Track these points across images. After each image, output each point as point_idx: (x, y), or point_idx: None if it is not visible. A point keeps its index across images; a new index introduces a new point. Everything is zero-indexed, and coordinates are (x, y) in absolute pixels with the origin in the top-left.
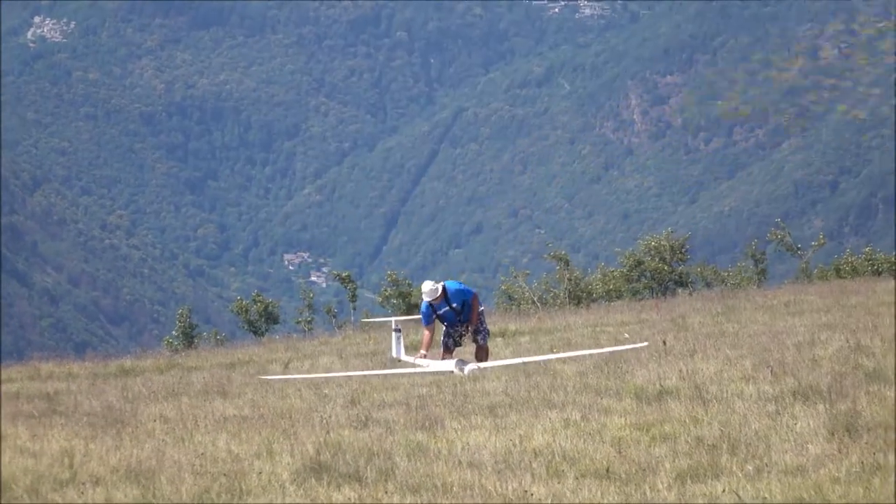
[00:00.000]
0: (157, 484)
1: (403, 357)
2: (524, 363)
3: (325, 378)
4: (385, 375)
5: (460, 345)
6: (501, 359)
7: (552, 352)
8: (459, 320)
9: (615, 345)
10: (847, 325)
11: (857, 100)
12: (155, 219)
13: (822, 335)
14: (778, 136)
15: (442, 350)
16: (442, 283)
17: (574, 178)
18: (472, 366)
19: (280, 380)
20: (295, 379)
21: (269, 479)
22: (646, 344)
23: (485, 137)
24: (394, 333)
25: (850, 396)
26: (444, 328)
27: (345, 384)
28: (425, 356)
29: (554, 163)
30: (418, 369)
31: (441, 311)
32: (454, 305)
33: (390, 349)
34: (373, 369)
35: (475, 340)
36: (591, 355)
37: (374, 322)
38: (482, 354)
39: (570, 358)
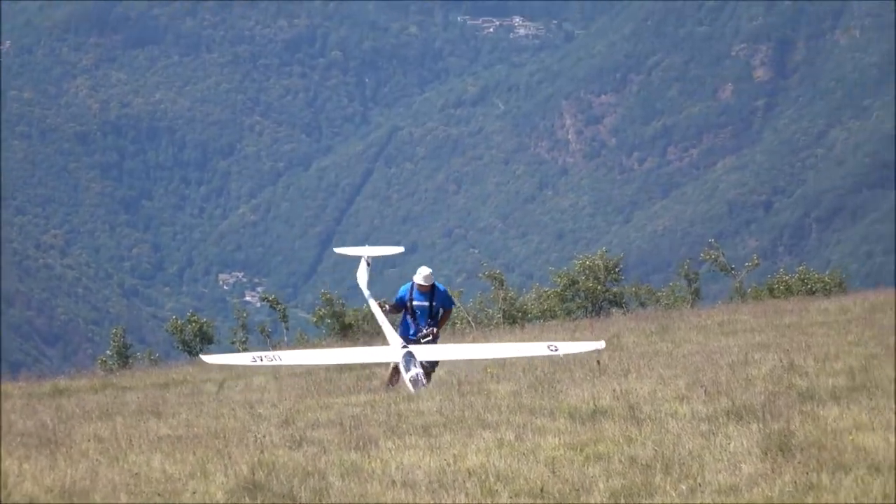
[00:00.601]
0: (91, 503)
1: (366, 289)
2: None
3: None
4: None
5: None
6: (434, 379)
7: (487, 371)
8: (427, 322)
9: (551, 365)
10: (780, 345)
11: (791, 119)
12: (89, 238)
13: (755, 355)
14: (712, 155)
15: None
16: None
17: (508, 198)
18: (418, 374)
19: (244, 365)
20: (260, 366)
21: (203, 498)
22: (602, 343)
23: (420, 157)
24: (364, 263)
25: (783, 416)
26: (404, 321)
27: (279, 404)
28: (385, 307)
29: (488, 182)
30: (375, 314)
31: (418, 302)
32: (433, 304)
33: (356, 275)
34: (307, 389)
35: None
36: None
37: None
38: (395, 378)
39: (503, 376)
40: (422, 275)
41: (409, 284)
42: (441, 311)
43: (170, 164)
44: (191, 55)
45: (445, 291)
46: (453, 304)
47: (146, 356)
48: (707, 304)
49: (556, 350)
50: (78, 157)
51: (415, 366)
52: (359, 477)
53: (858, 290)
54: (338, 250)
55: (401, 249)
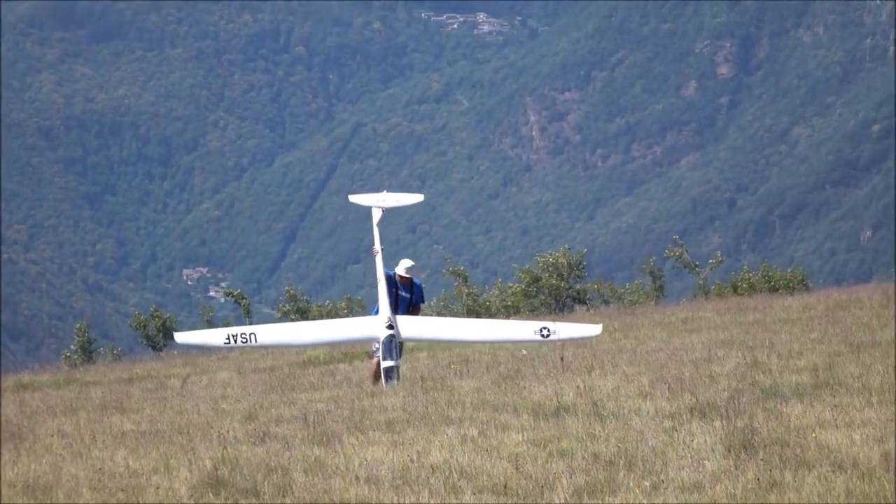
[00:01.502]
0: (54, 499)
1: (378, 245)
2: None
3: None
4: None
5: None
6: (403, 376)
7: (450, 367)
8: (406, 311)
9: (514, 361)
10: (744, 342)
11: (754, 116)
12: (53, 233)
13: (719, 352)
14: (676, 152)
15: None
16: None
17: (472, 194)
18: (395, 366)
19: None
20: (233, 347)
21: (166, 494)
22: (599, 328)
23: (383, 153)
24: (376, 215)
25: (746, 413)
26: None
27: (243, 399)
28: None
29: (452, 178)
30: (379, 276)
31: (402, 293)
32: (413, 298)
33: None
34: (271, 384)
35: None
36: (523, 355)
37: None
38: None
39: (466, 373)
40: (404, 266)
41: (391, 272)
42: (415, 306)
43: (134, 160)
44: (155, 50)
45: (421, 286)
46: (423, 300)
47: (110, 351)
48: (671, 301)
49: (549, 334)
50: (42, 151)
51: (392, 357)
52: (322, 472)
53: (822, 288)
54: (352, 198)
55: (420, 197)
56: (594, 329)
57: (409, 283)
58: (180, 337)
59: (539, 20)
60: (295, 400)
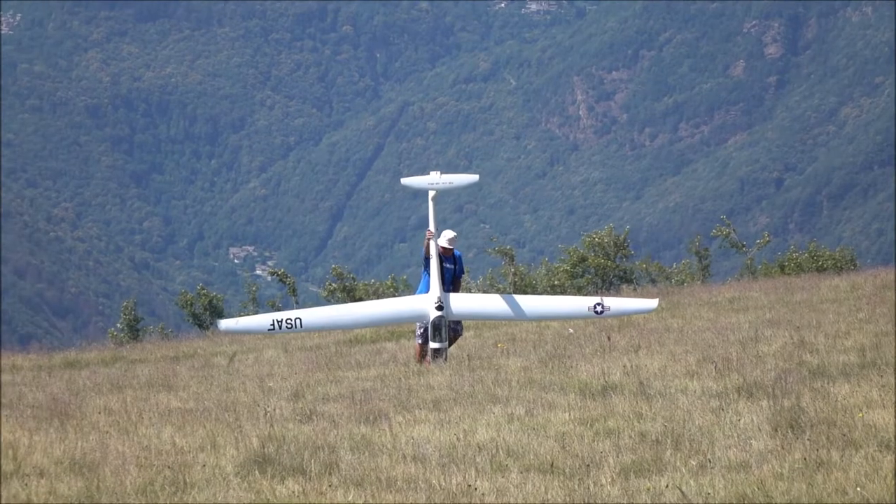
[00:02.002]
0: (101, 476)
1: (433, 226)
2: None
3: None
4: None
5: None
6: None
7: (497, 346)
8: (449, 288)
9: (561, 340)
10: (791, 322)
11: (802, 96)
12: (100, 211)
13: (766, 332)
14: (724, 132)
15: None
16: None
17: (519, 174)
18: (442, 347)
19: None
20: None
21: (213, 471)
22: (656, 302)
23: (430, 132)
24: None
25: (793, 393)
26: (425, 282)
27: (289, 378)
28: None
29: (499, 158)
30: (432, 255)
31: (447, 265)
32: (456, 269)
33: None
34: (318, 363)
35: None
36: (569, 333)
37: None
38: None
39: (513, 351)
40: (447, 238)
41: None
42: (457, 276)
43: (181, 138)
44: (202, 29)
45: (461, 257)
46: (464, 271)
47: (157, 329)
48: (718, 280)
49: (603, 311)
50: (89, 130)
51: (440, 339)
52: (369, 451)
53: (869, 268)
54: (404, 181)
55: (475, 178)
56: (650, 303)
57: (451, 255)
58: (225, 324)
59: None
60: (341, 378)
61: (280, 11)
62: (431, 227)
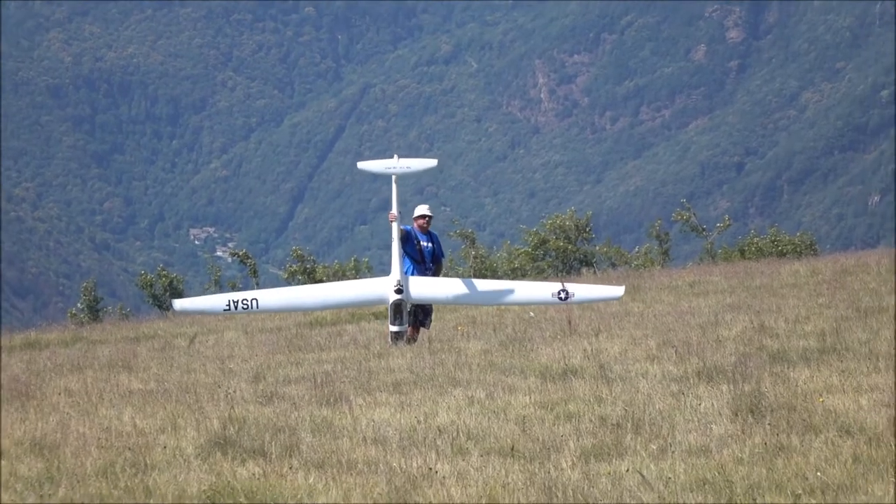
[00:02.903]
0: (61, 457)
1: (396, 210)
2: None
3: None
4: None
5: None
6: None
7: (457, 329)
8: (429, 267)
9: (522, 323)
10: (751, 307)
11: (763, 80)
12: (61, 192)
13: (726, 316)
14: (685, 116)
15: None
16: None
17: (480, 156)
18: (402, 331)
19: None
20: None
21: (173, 453)
22: (622, 290)
23: (392, 114)
24: (394, 184)
25: (754, 377)
26: (405, 263)
27: (250, 360)
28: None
29: (460, 140)
30: (394, 239)
31: (424, 242)
32: (434, 247)
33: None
34: (279, 344)
35: (420, 321)
36: (531, 317)
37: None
38: (414, 335)
39: (473, 334)
40: (425, 207)
41: (410, 227)
42: (437, 257)
43: (142, 119)
44: (164, 9)
45: (438, 237)
46: (444, 255)
47: (117, 310)
48: (678, 264)
49: (567, 297)
50: (50, 110)
51: (400, 321)
52: (330, 433)
53: (829, 253)
54: (361, 165)
55: (434, 162)
56: (616, 290)
57: (428, 233)
58: (179, 304)
59: None
60: (302, 360)
61: None
62: (394, 209)
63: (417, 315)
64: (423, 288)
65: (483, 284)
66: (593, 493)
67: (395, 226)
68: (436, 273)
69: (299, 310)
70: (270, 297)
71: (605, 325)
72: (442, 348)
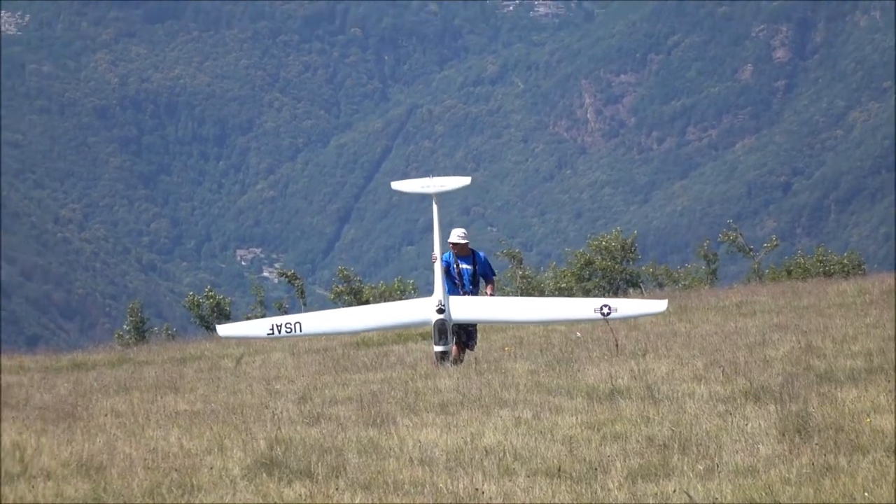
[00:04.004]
0: (108, 478)
1: (438, 237)
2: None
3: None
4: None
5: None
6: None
7: (504, 350)
8: (469, 289)
9: (568, 343)
10: (798, 327)
11: (810, 100)
12: (108, 212)
13: (773, 336)
14: (731, 136)
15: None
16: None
17: (527, 177)
18: (447, 350)
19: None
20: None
21: (220, 474)
22: (664, 304)
23: (438, 135)
24: (434, 207)
25: (801, 397)
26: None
27: (296, 380)
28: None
29: (507, 161)
30: (436, 266)
31: (463, 265)
32: (476, 269)
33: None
34: (325, 365)
35: (464, 342)
36: (576, 337)
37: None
38: (460, 356)
39: (520, 355)
40: (456, 234)
41: (448, 253)
42: (481, 276)
43: (189, 140)
44: (210, 30)
45: (486, 259)
46: (494, 273)
47: (163, 331)
48: (725, 284)
49: (609, 312)
50: (97, 131)
51: (444, 341)
52: (376, 454)
53: (877, 272)
54: (395, 185)
55: (467, 181)
56: (659, 305)
57: (469, 255)
58: (223, 330)
59: (595, 2)
60: (348, 381)
61: (289, 13)
62: (437, 251)
63: (461, 336)
64: (465, 307)
65: (524, 302)
66: None
67: (437, 266)
68: (476, 292)
69: (342, 333)
70: (313, 321)
71: (652, 345)
72: (489, 369)
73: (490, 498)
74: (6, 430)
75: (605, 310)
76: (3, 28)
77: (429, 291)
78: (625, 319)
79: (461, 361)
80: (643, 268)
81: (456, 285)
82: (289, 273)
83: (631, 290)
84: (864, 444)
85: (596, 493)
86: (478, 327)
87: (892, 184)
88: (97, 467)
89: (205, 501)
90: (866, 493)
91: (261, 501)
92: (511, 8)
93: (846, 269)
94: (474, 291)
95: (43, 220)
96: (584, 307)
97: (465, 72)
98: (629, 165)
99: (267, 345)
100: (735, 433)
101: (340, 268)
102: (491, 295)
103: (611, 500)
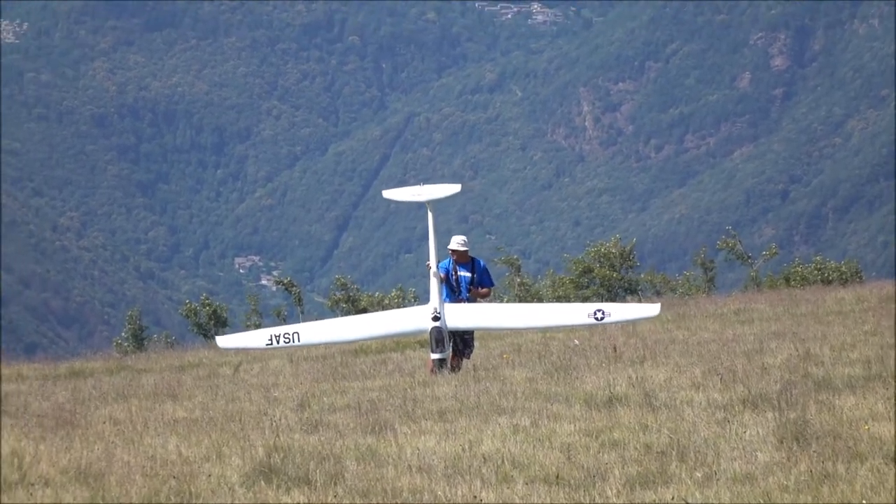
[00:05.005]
0: (106, 486)
1: (433, 246)
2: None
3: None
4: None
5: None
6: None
7: (502, 357)
8: (466, 296)
9: (567, 351)
10: (796, 334)
11: (808, 108)
12: (106, 220)
13: (771, 343)
14: (730, 144)
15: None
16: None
17: (525, 184)
18: (444, 357)
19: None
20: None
21: (218, 481)
22: (658, 307)
23: (436, 143)
24: (430, 216)
25: (799, 405)
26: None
27: (295, 388)
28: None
29: (505, 168)
30: (432, 277)
31: (462, 272)
32: (475, 276)
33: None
34: (323, 373)
35: (460, 351)
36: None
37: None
38: (457, 364)
39: (518, 362)
40: (456, 241)
41: (447, 260)
42: (479, 284)
43: (187, 148)
44: (209, 38)
45: (486, 267)
46: (493, 283)
47: (162, 339)
48: (723, 292)
49: (603, 317)
50: (95, 139)
51: (441, 349)
52: (375, 461)
53: (875, 280)
54: (386, 194)
55: (457, 188)
56: (652, 309)
57: (468, 262)
58: (222, 341)
59: (593, 10)
60: (347, 389)
61: (287, 21)
62: (432, 260)
63: (457, 344)
64: (460, 314)
65: (519, 309)
66: None
67: (432, 275)
68: (473, 299)
69: (340, 342)
70: (311, 331)
71: (650, 352)
72: (487, 376)
73: None
74: (5, 438)
75: (599, 314)
76: (1, 36)
77: (427, 300)
78: (619, 324)
79: (458, 369)
80: (641, 276)
81: (453, 292)
82: (285, 281)
83: (629, 298)
84: (863, 452)
85: (594, 501)
86: (475, 335)
87: (891, 192)
88: (95, 475)
89: None
90: (864, 501)
91: None
92: (509, 16)
93: (844, 276)
94: (471, 299)
95: (41, 228)
96: (578, 313)
97: (464, 79)
98: (627, 173)
99: (265, 353)
100: (733, 440)
101: (337, 276)
102: (481, 297)
103: None
